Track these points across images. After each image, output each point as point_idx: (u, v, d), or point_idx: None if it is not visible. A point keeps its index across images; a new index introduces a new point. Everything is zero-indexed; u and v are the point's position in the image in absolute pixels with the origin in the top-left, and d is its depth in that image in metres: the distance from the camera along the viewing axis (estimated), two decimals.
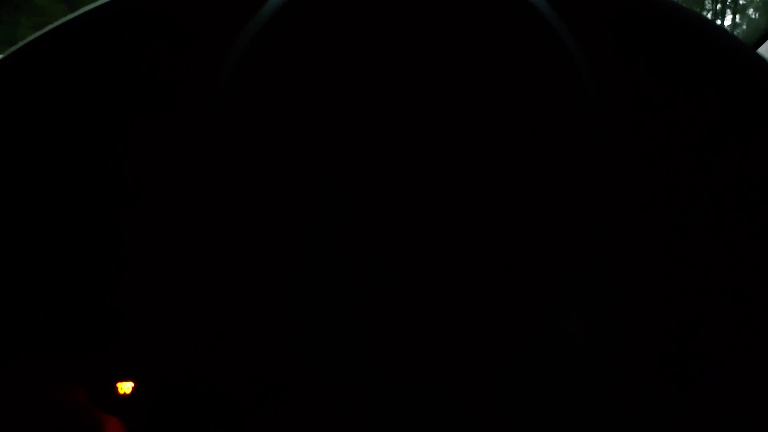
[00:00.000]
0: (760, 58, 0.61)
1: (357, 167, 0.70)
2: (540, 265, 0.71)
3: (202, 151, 0.58)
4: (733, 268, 0.78)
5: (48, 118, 0.67)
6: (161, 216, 0.81)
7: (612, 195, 0.60)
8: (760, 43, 1.00)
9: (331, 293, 0.69)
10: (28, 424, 0.65)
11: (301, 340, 0.66)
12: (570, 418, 0.75)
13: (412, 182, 0.70)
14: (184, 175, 0.70)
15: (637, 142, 0.80)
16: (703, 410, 0.67)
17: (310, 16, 0.56)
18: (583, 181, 0.61)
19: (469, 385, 0.64)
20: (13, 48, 0.56)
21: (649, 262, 0.81)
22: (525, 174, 0.73)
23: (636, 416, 0.70)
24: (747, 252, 0.75)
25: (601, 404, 0.72)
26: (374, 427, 0.69)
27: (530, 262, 0.73)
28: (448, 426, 0.69)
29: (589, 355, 0.75)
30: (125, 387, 0.76)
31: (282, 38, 0.57)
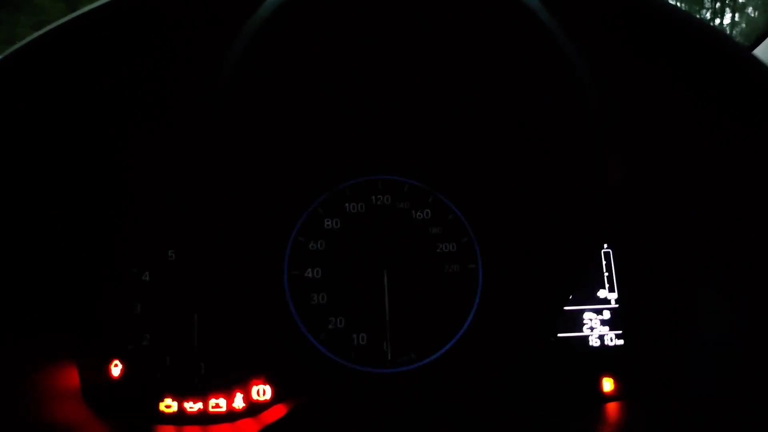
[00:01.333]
0: (756, 59, 0.62)
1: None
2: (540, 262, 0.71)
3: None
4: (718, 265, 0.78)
5: (48, 116, 0.67)
6: (161, 210, 0.81)
7: (607, 190, 0.60)
8: (758, 42, 1.00)
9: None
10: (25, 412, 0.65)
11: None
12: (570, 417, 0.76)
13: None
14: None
15: (633, 138, 0.80)
16: None
17: (306, 16, 0.56)
18: (580, 176, 0.61)
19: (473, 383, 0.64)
20: (13, 48, 0.56)
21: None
22: (524, 172, 0.73)
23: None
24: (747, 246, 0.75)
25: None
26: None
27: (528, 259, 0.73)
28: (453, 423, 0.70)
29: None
30: (115, 370, 0.77)
31: (279, 37, 0.57)
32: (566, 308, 0.87)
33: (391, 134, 0.86)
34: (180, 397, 0.80)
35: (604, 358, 0.85)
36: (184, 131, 0.73)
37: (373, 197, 0.89)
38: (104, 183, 0.82)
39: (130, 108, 0.73)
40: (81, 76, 0.65)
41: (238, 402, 0.80)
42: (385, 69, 0.74)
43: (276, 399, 0.80)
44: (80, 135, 0.73)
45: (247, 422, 0.77)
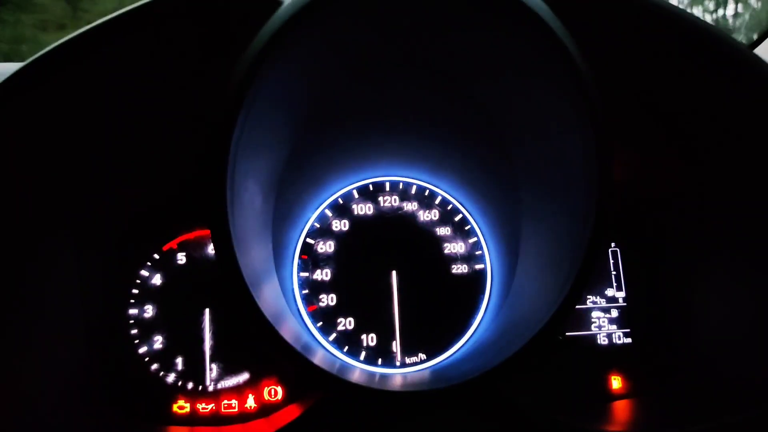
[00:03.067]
0: (758, 58, 0.62)
1: None
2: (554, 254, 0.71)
3: None
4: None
5: (70, 121, 0.68)
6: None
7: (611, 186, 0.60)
8: (761, 40, 1.00)
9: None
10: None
11: None
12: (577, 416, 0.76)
13: None
14: None
15: (639, 137, 0.80)
16: None
17: (318, 20, 0.56)
18: (586, 175, 0.61)
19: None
20: (36, 55, 0.56)
21: None
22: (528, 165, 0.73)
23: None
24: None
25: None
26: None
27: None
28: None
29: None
30: (129, 372, 0.76)
31: (290, 44, 0.57)
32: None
33: (398, 135, 0.86)
34: (192, 399, 0.81)
35: (612, 357, 0.86)
36: (188, 134, 0.74)
37: (381, 198, 0.90)
38: (110, 182, 0.82)
39: (144, 112, 0.74)
40: (103, 79, 0.65)
41: (250, 403, 0.81)
42: (393, 70, 0.74)
43: (288, 400, 0.81)
44: (89, 141, 0.74)
45: (259, 423, 0.78)
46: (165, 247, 0.85)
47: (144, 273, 0.84)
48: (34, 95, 0.61)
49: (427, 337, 0.84)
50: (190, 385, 0.81)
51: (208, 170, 0.56)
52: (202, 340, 0.82)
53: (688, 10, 0.68)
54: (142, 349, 0.81)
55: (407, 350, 0.84)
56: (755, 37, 1.17)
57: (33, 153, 0.69)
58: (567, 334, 0.86)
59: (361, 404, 0.71)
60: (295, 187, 0.85)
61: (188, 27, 0.62)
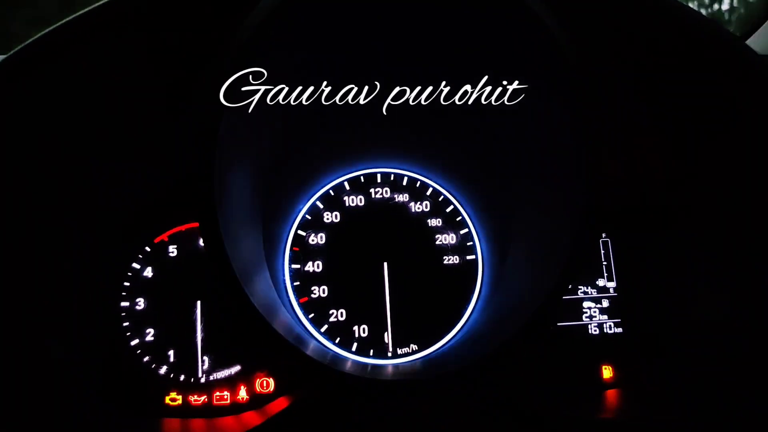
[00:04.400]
0: (750, 49, 0.62)
1: None
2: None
3: None
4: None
5: (57, 116, 0.67)
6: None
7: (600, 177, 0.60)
8: (753, 30, 1.00)
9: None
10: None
11: None
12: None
13: None
14: None
15: (629, 129, 0.80)
16: None
17: (306, 11, 0.56)
18: (576, 166, 0.61)
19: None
20: (18, 47, 0.56)
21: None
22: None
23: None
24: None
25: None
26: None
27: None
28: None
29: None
30: (121, 365, 0.76)
31: (279, 32, 0.57)
32: (565, 297, 0.87)
33: (390, 127, 0.86)
34: (185, 391, 0.81)
35: (603, 346, 0.86)
36: (177, 128, 0.73)
37: (372, 190, 0.90)
38: (101, 177, 0.81)
39: (131, 105, 0.73)
40: (86, 73, 0.65)
41: (242, 394, 0.81)
42: (384, 63, 0.73)
43: (279, 391, 0.81)
44: (79, 135, 0.74)
45: (251, 414, 0.78)
46: (156, 240, 0.85)
47: (135, 266, 0.84)
48: (16, 89, 0.61)
49: (418, 328, 0.84)
50: (182, 377, 0.81)
51: (195, 164, 0.56)
52: (193, 333, 0.82)
53: (684, 4, 0.68)
54: (134, 342, 0.81)
55: (399, 341, 0.84)
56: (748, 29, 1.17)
57: (21, 150, 0.69)
58: (558, 324, 0.87)
59: (353, 394, 0.72)
60: (285, 180, 0.85)
61: (173, 19, 0.62)
